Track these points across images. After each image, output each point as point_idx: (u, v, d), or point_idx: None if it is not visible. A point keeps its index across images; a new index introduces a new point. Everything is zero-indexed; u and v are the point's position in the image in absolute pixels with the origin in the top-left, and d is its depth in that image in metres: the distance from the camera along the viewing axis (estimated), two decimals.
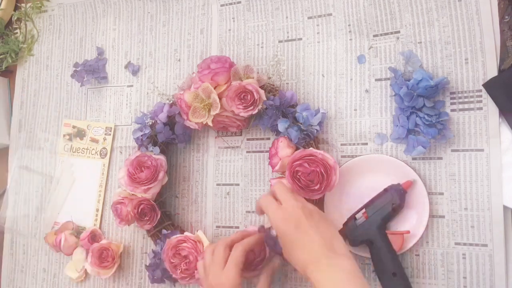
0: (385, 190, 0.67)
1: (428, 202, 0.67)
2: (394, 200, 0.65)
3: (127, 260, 0.86)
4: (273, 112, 0.72)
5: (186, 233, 0.74)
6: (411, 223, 0.67)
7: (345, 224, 0.69)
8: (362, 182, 0.70)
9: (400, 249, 0.65)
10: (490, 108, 0.66)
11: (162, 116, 0.77)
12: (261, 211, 0.63)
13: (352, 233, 0.67)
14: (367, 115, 0.73)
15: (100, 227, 0.88)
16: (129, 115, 0.89)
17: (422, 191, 0.67)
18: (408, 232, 0.65)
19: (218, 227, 0.81)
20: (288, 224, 0.57)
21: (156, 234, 0.79)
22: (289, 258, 0.58)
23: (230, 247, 0.63)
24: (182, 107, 0.74)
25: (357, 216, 0.68)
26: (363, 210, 0.67)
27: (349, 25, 0.76)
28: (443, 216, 0.67)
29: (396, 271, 0.63)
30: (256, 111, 0.71)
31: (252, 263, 0.67)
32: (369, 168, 0.70)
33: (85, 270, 0.86)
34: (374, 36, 0.74)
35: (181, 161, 0.84)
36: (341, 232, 0.69)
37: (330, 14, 0.77)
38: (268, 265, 0.68)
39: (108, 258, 0.82)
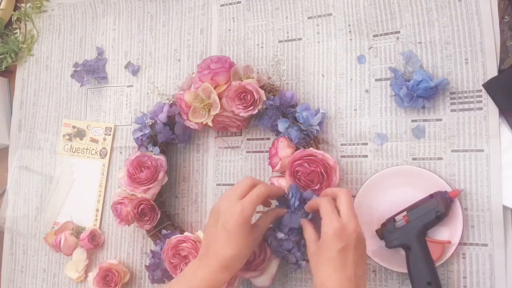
0: (431, 196, 0.64)
1: None
2: (439, 208, 0.62)
3: (127, 260, 0.85)
4: (273, 112, 0.72)
5: (186, 233, 0.74)
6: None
7: (383, 225, 0.66)
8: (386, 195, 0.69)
9: (438, 259, 0.63)
10: (490, 108, 0.66)
11: (162, 116, 0.77)
12: (313, 210, 0.63)
13: (389, 235, 0.65)
14: (367, 115, 0.73)
15: (100, 227, 0.88)
16: (129, 115, 0.89)
17: None
18: (449, 242, 0.63)
19: None
20: (338, 242, 0.55)
21: (156, 234, 0.79)
22: (314, 266, 0.58)
23: (255, 186, 0.62)
24: (182, 107, 0.74)
25: (397, 218, 0.65)
26: (404, 213, 0.65)
27: (349, 25, 0.76)
28: None
29: (432, 280, 0.61)
30: (256, 111, 0.71)
31: (252, 263, 0.67)
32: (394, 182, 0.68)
33: (85, 270, 0.86)
34: (374, 36, 0.74)
35: (181, 161, 0.84)
36: (378, 232, 0.67)
37: (330, 14, 0.77)
38: (274, 210, 0.67)
39: (111, 283, 0.80)
